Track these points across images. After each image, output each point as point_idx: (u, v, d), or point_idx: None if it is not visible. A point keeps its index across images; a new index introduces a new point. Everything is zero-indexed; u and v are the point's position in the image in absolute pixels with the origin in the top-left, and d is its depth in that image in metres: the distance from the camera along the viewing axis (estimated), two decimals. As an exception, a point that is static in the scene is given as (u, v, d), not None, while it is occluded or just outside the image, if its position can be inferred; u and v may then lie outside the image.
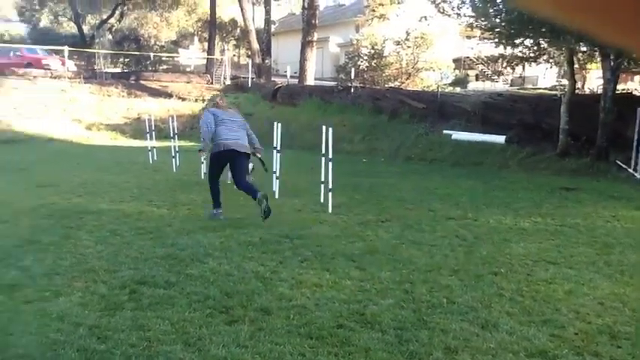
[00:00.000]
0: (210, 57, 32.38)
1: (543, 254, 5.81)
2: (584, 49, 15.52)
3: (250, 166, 8.38)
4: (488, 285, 4.76)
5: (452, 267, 5.29)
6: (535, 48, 16.17)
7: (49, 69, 26.96)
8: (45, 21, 39.71)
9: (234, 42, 42.46)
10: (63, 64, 27.74)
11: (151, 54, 34.00)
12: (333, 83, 24.40)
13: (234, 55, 41.27)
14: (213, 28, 33.48)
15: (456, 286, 4.74)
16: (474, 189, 10.50)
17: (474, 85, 27.23)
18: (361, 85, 21.92)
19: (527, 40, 15.69)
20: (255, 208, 7.18)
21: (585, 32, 0.47)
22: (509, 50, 16.78)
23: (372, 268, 5.21)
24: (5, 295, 4.31)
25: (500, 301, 4.37)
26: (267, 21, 29.68)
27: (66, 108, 23.31)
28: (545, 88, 22.27)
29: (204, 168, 10.07)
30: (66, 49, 27.81)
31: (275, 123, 9.73)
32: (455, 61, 28.42)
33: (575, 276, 5.05)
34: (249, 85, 27.43)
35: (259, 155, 7.79)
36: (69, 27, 39.98)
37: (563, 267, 5.36)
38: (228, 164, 7.56)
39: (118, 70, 32.26)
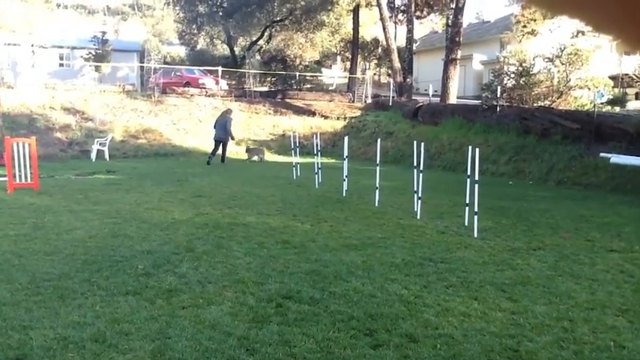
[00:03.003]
0: (352, 76, 32.98)
1: None
2: None
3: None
4: (664, 330, 4.21)
5: (618, 306, 4.75)
6: None
7: (205, 88, 29.03)
8: (201, 43, 42.84)
9: (376, 61, 42.86)
10: (217, 83, 29.74)
11: (296, 73, 35.35)
12: (476, 102, 23.62)
13: (375, 74, 41.65)
14: (355, 47, 34.10)
15: (624, 328, 4.25)
16: (638, 219, 9.49)
17: (633, 105, 24.96)
18: (507, 104, 20.97)
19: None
20: (396, 229, 7.14)
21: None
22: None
23: (524, 301, 4.85)
24: (164, 300, 4.58)
25: (681, 350, 3.82)
26: (409, 39, 29.60)
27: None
28: None
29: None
30: (219, 69, 29.81)
31: (415, 142, 9.55)
32: (612, 78, 26.28)
33: None
34: (390, 103, 27.45)
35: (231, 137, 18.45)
36: (222, 49, 42.82)
37: None
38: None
39: (266, 88, 33.94)
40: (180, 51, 44.23)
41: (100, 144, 19.55)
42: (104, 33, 29.38)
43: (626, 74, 27.70)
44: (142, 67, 31.34)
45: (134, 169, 16.16)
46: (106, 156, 19.30)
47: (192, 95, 27.34)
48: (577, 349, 3.83)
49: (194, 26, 36.77)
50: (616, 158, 14.74)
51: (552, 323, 4.31)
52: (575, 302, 4.83)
